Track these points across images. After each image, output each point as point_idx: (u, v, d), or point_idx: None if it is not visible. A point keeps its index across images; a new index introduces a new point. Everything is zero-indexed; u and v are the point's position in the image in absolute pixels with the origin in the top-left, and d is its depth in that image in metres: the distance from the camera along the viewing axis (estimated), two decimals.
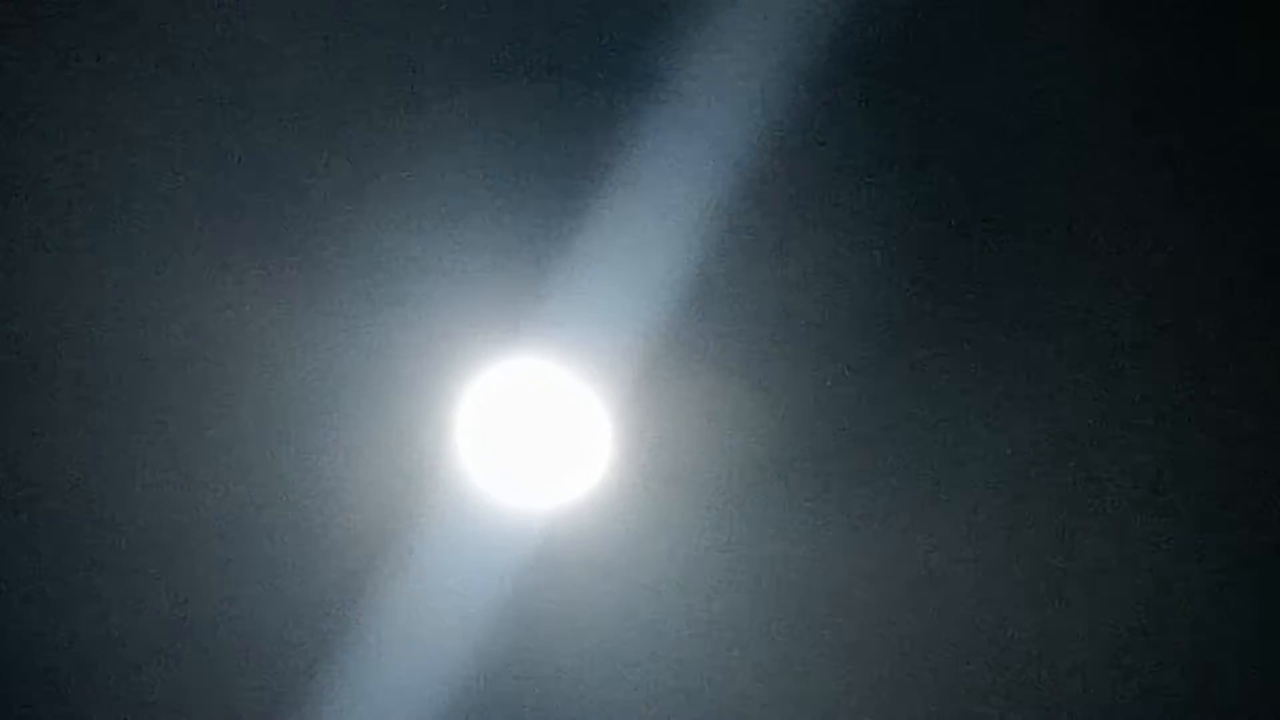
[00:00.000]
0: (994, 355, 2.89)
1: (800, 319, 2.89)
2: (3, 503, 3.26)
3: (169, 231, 2.86)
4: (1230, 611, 3.22)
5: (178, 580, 3.37)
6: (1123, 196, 2.69)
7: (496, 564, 3.24)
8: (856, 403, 2.98)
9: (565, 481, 3.07)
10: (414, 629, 3.37)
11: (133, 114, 2.71)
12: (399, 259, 2.86)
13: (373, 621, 3.35)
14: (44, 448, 3.18)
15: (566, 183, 2.74)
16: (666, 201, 2.75)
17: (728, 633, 3.36)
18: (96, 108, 2.70)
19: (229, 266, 2.89)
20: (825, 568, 3.23)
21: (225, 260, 2.88)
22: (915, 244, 2.77)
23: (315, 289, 2.91)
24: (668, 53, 2.60)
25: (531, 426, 2.99)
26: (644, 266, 2.82)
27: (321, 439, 3.10)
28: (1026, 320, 2.84)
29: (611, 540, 3.20)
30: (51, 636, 3.48)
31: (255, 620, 3.41)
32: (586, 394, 2.95)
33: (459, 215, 2.80)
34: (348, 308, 2.92)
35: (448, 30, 2.58)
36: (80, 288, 2.94)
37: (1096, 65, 2.56)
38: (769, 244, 2.80)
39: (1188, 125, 2.61)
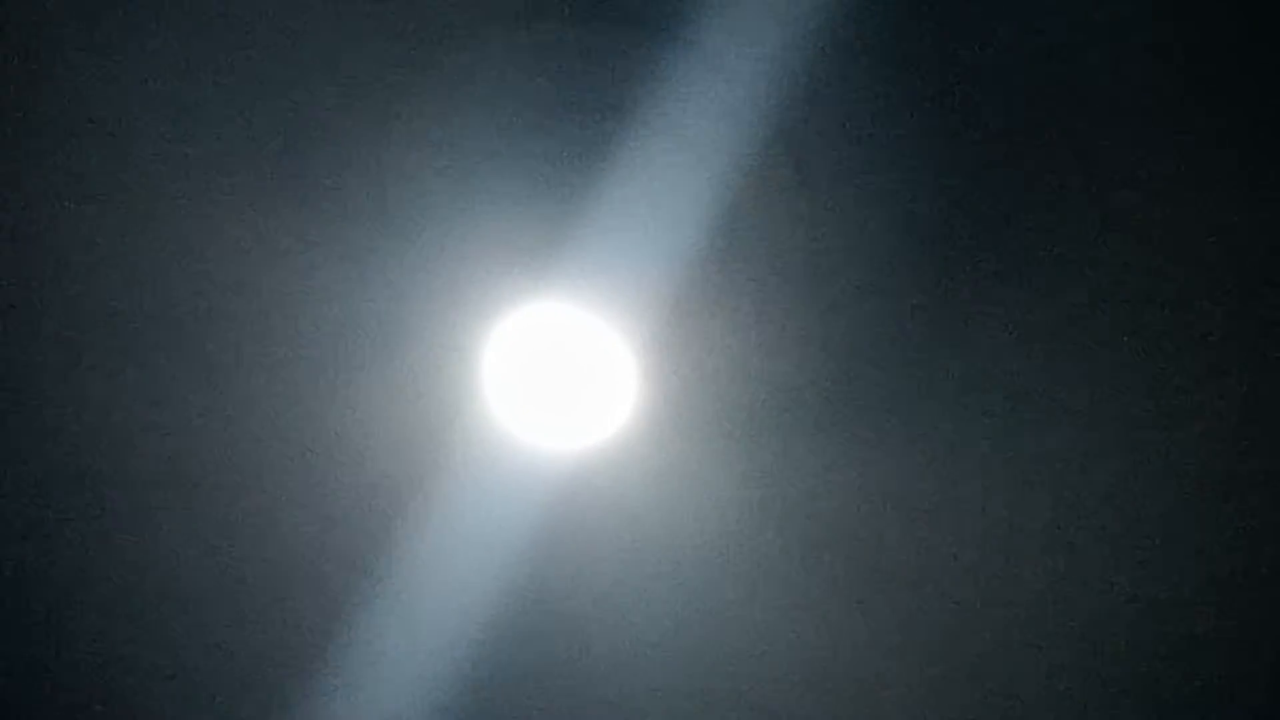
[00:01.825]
0: (1020, 297, 2.89)
1: (825, 261, 2.88)
2: (22, 451, 3.27)
3: (191, 177, 2.85)
4: (1249, 550, 3.23)
5: (204, 526, 3.38)
6: (1152, 145, 2.68)
7: (523, 507, 3.25)
8: (881, 344, 2.98)
9: (591, 424, 3.08)
10: (441, 572, 3.39)
11: (155, 58, 2.70)
12: (425, 203, 2.85)
13: (400, 564, 3.37)
14: (65, 396, 3.18)
15: (592, 125, 2.74)
16: (692, 144, 2.75)
17: (754, 572, 3.38)
18: (118, 53, 2.70)
19: (254, 212, 2.89)
20: (851, 506, 3.24)
21: (250, 206, 2.88)
22: (941, 186, 2.76)
23: (340, 234, 2.91)
24: None
25: (557, 369, 3.00)
26: (669, 209, 2.82)
27: (347, 383, 3.11)
28: (1053, 263, 2.83)
29: (637, 482, 3.21)
30: (72, 581, 3.50)
31: (283, 564, 3.43)
32: (612, 337, 2.95)
33: (484, 158, 2.79)
34: (373, 252, 2.92)
35: None
36: (102, 234, 2.94)
37: (1124, 11, 2.54)
38: (794, 186, 2.79)
39: (1224, 72, 2.60)
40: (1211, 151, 2.68)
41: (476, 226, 2.87)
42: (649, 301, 2.93)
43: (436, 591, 3.43)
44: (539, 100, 2.74)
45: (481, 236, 2.88)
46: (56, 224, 2.93)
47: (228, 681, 3.65)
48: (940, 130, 2.70)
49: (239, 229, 2.91)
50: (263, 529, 3.37)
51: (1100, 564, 3.29)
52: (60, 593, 3.52)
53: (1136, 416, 3.04)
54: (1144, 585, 3.32)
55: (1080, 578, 3.32)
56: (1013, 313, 2.92)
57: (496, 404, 3.07)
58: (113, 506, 3.36)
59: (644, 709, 3.63)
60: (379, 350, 3.06)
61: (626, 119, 2.72)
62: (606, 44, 2.66)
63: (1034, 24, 2.57)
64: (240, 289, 2.99)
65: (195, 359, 3.11)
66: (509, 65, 2.69)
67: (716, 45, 2.65)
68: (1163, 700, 3.50)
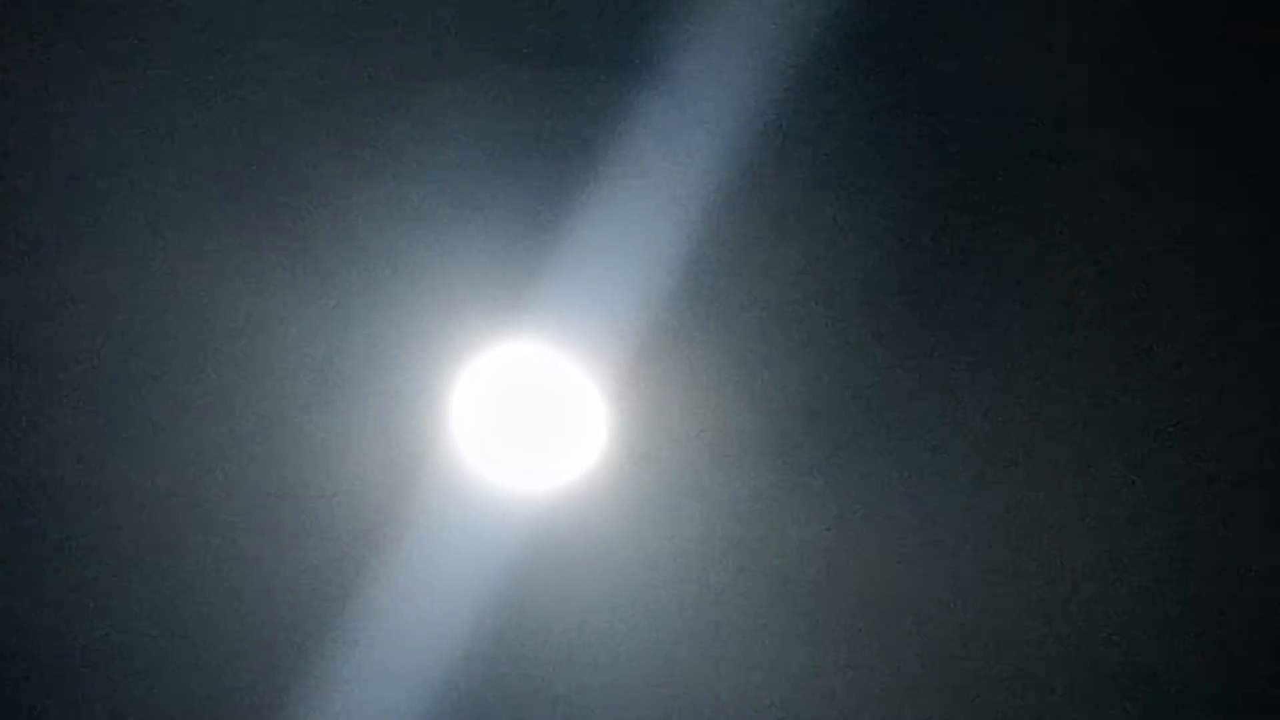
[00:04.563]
0: (994, 337, 2.90)
1: (796, 302, 2.89)
2: (5, 484, 3.26)
3: (162, 217, 2.85)
4: (1244, 591, 3.23)
5: (174, 564, 3.37)
6: (1126, 174, 2.69)
7: (492, 547, 3.24)
8: (853, 386, 2.99)
9: (561, 465, 3.07)
10: (410, 612, 3.38)
11: (128, 101, 2.70)
12: (393, 243, 2.85)
13: (369, 605, 3.36)
14: (38, 437, 3.17)
15: (561, 166, 2.74)
16: (662, 185, 2.75)
17: (723, 614, 3.38)
18: (91, 94, 2.69)
19: (223, 252, 2.88)
20: (821, 548, 3.24)
21: (219, 246, 2.88)
22: (913, 227, 2.77)
23: (309, 274, 2.90)
24: (663, 37, 2.60)
25: (527, 410, 2.99)
26: (639, 250, 2.82)
27: (316, 424, 3.10)
28: (1028, 303, 2.84)
29: (607, 523, 3.21)
30: (46, 620, 3.48)
31: (252, 603, 3.41)
32: (581, 377, 2.95)
33: (453, 200, 2.80)
34: (342, 292, 2.92)
35: (444, 14, 2.57)
36: (73, 274, 2.93)
37: (1097, 44, 2.56)
38: (764, 227, 2.80)
39: (1194, 103, 2.61)
40: (1194, 177, 2.69)
41: (447, 267, 2.87)
42: (619, 342, 2.93)
43: (406, 632, 3.42)
44: (510, 141, 2.74)
45: (452, 277, 2.88)
46: (35, 269, 2.93)
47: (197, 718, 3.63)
48: (911, 172, 2.71)
49: (208, 270, 2.91)
50: (231, 570, 3.36)
51: (1073, 601, 3.30)
52: (41, 615, 3.51)
53: (1112, 457, 3.05)
54: (1124, 623, 3.32)
55: (1055, 615, 3.33)
56: (985, 354, 2.92)
57: (466, 444, 3.06)
58: (82, 543, 3.34)
59: None
60: (348, 391, 3.05)
61: (597, 160, 2.73)
62: (578, 85, 2.66)
63: (1009, 62, 2.58)
64: (209, 329, 2.99)
65: (163, 398, 3.10)
66: (480, 106, 2.70)
67: (687, 87, 2.65)
68: None
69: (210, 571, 3.37)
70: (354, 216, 2.83)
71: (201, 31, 2.60)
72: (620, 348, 2.93)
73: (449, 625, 3.40)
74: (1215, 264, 2.77)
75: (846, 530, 3.21)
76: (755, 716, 3.59)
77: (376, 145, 2.75)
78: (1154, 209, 2.72)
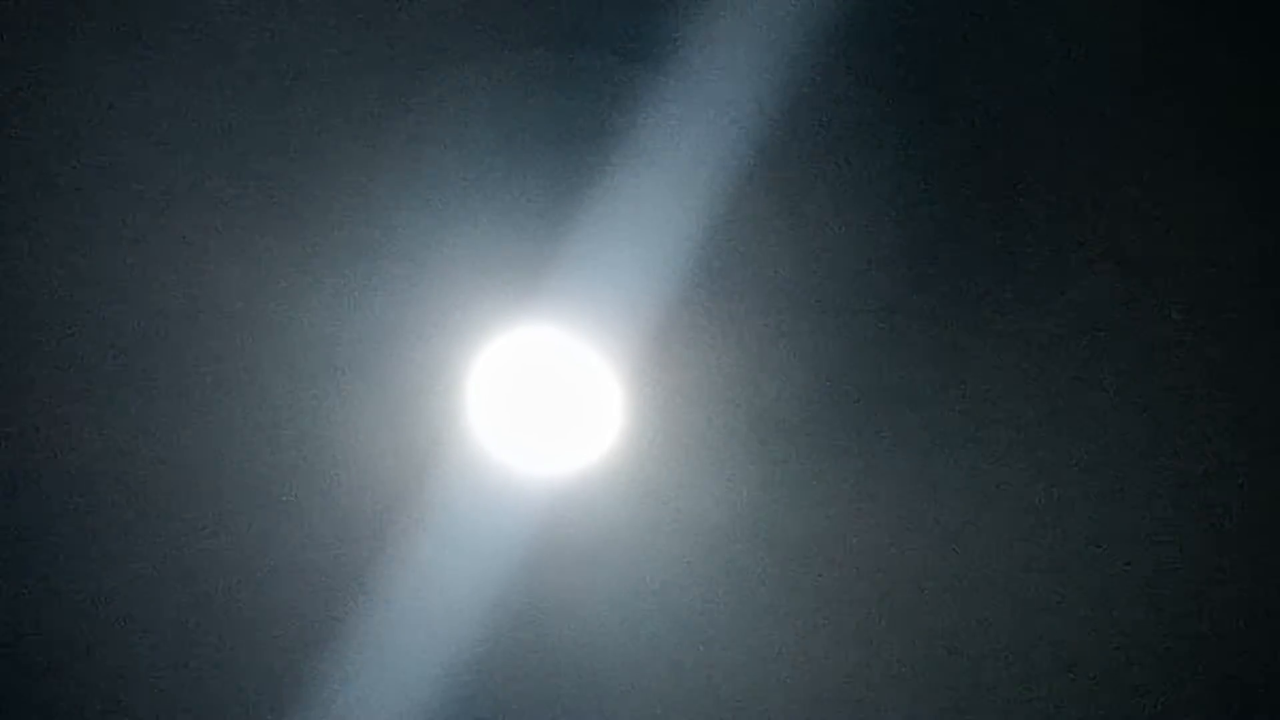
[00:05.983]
0: (1004, 320, 2.90)
1: (810, 286, 2.89)
2: (13, 473, 3.27)
3: (178, 202, 2.86)
4: (1244, 573, 3.23)
5: (190, 549, 3.38)
6: (1143, 171, 2.69)
7: (508, 532, 3.24)
8: (866, 368, 2.99)
9: (576, 449, 3.08)
10: (426, 596, 3.38)
11: (140, 83, 2.71)
12: (410, 227, 2.86)
13: (385, 590, 3.36)
14: (52, 420, 3.18)
15: (577, 150, 2.74)
16: (676, 169, 2.75)
17: (740, 594, 3.38)
18: (102, 77, 2.70)
19: (240, 237, 2.89)
20: (837, 531, 3.24)
21: (236, 231, 2.88)
22: (926, 211, 2.77)
23: (326, 258, 2.91)
24: (678, 21, 2.60)
25: (543, 394, 3.00)
26: (654, 234, 2.82)
27: (332, 408, 3.11)
28: (1038, 288, 2.84)
29: (622, 507, 3.21)
30: (54, 606, 3.49)
31: (267, 588, 3.42)
32: (597, 361, 2.95)
33: (470, 184, 2.80)
34: (359, 276, 2.93)
35: None
36: (88, 258, 2.94)
37: (1108, 32, 2.56)
38: (779, 211, 2.80)
39: (1198, 93, 2.61)
40: (1204, 179, 2.69)
41: (462, 252, 2.88)
42: (634, 326, 2.93)
43: (422, 615, 3.42)
44: (526, 126, 2.74)
45: (468, 261, 2.89)
46: (47, 252, 2.94)
47: (210, 704, 3.63)
48: (925, 155, 2.71)
49: (226, 256, 2.91)
50: (247, 555, 3.36)
51: (1085, 587, 3.30)
52: (54, 606, 3.51)
53: (1127, 437, 3.04)
54: (1132, 605, 3.32)
55: (1067, 597, 3.32)
56: (999, 335, 2.92)
57: (483, 429, 3.07)
58: (98, 527, 3.35)
59: None
60: (365, 376, 3.05)
61: (612, 144, 2.73)
62: (592, 70, 2.67)
63: (1021, 51, 2.58)
64: (226, 315, 2.99)
65: (178, 384, 3.10)
66: (496, 92, 2.70)
67: (702, 73, 2.66)
68: None
69: (226, 556, 3.37)
70: (369, 202, 2.84)
71: (217, 15, 2.61)
72: (636, 332, 2.93)
73: (465, 609, 3.40)
74: (1226, 256, 2.78)
75: (864, 513, 3.21)
76: (773, 698, 3.59)
77: (391, 131, 2.75)
78: (1165, 199, 2.72)
